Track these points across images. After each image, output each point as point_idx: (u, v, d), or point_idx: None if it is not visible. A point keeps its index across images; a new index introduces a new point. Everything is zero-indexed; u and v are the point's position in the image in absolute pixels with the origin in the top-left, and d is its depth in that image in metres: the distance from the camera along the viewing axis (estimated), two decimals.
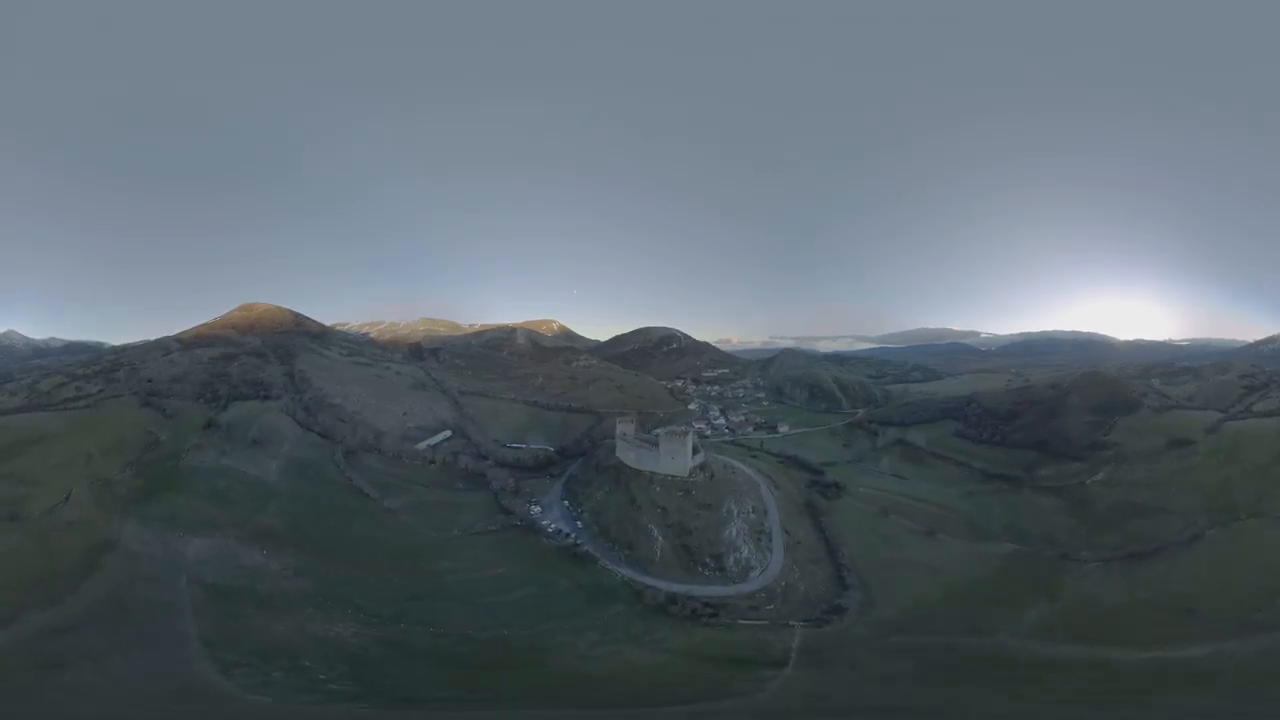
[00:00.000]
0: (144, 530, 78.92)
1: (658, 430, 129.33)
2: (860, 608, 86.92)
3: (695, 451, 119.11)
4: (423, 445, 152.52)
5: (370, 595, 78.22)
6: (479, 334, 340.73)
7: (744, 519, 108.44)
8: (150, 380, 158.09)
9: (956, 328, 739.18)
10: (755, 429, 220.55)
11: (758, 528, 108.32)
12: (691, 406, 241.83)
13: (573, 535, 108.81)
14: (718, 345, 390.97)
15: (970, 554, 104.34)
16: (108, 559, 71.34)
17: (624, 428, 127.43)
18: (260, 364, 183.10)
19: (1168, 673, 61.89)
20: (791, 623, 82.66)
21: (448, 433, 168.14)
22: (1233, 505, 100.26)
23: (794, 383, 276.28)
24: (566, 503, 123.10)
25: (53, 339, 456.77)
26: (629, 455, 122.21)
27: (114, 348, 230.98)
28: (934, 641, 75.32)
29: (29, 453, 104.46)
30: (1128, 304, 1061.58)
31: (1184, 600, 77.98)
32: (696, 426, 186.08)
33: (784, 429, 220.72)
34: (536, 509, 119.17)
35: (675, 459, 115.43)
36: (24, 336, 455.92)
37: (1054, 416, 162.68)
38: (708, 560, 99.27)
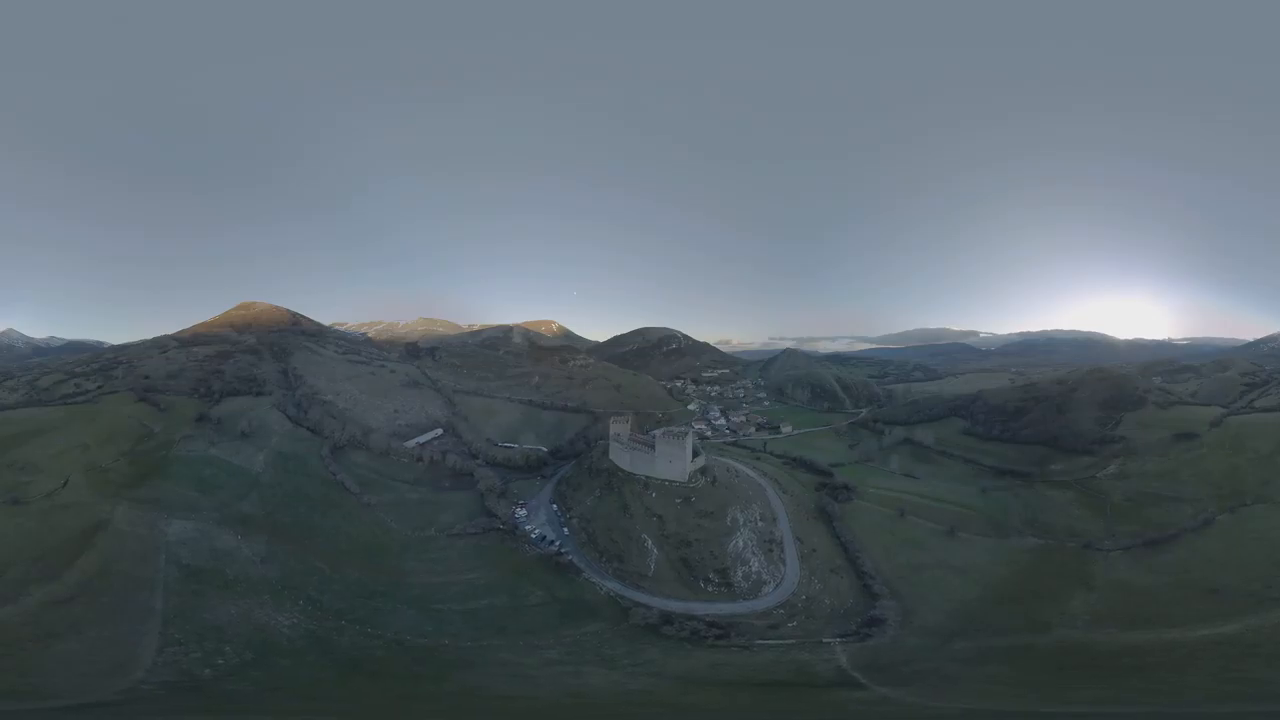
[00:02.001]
0: (132, 512, 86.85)
1: (655, 431, 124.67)
2: (899, 617, 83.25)
3: (695, 454, 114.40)
4: (411, 443, 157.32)
5: (326, 588, 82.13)
6: (476, 333, 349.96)
7: (751, 528, 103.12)
8: (147, 377, 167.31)
9: (956, 328, 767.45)
10: (757, 429, 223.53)
11: (767, 537, 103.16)
12: (691, 407, 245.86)
13: (557, 543, 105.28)
14: (717, 346, 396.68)
15: (996, 550, 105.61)
16: (99, 538, 79.30)
17: (618, 428, 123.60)
18: (255, 361, 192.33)
19: (1221, 650, 65.79)
20: (826, 639, 77.80)
21: (438, 431, 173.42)
22: (1240, 491, 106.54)
23: (795, 382, 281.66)
24: (555, 507, 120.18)
25: (52, 338, 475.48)
26: (623, 458, 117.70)
27: (113, 347, 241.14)
28: (998, 644, 73.42)
29: (30, 443, 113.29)
30: (1127, 303, 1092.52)
31: (1205, 581, 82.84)
32: (696, 427, 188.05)
33: (787, 429, 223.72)
34: (521, 512, 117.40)
35: (673, 462, 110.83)
36: (24, 335, 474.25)
37: (1062, 413, 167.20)
38: (711, 575, 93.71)
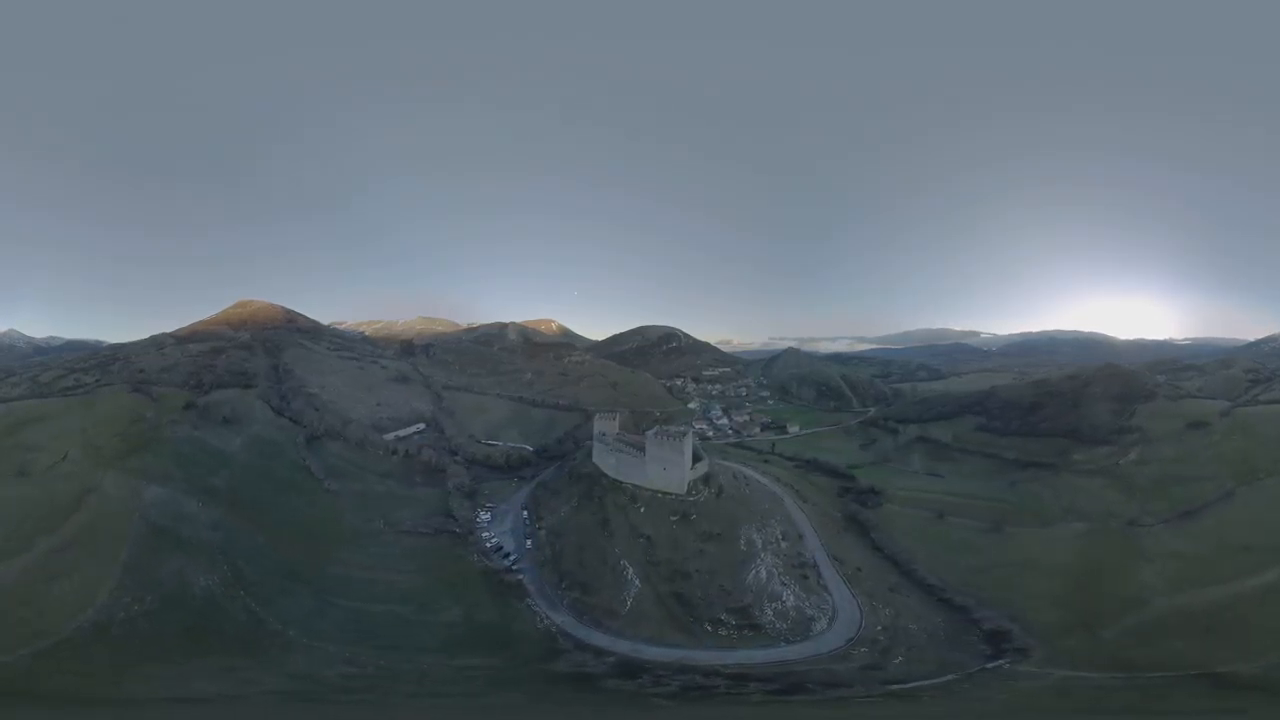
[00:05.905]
0: (119, 479, 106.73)
1: (649, 430, 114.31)
2: (1021, 628, 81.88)
3: (696, 459, 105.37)
4: (389, 436, 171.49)
5: (254, 560, 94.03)
6: (471, 330, 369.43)
7: (773, 551, 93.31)
8: (142, 371, 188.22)
9: (957, 328, 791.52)
10: (762, 429, 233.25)
11: (796, 560, 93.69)
12: (691, 405, 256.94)
13: (512, 556, 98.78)
14: (718, 346, 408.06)
15: (1048, 540, 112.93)
16: (90, 498, 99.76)
17: (603, 426, 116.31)
18: (247, 356, 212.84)
19: (1277, 596, 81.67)
20: (989, 665, 72.75)
21: (421, 425, 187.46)
22: (1254, 469, 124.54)
23: (800, 381, 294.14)
24: (525, 513, 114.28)
25: (53, 337, 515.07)
26: (607, 461, 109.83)
27: (112, 345, 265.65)
28: (1135, 622, 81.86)
29: (34, 428, 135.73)
30: (1128, 303, 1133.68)
31: (1237, 542, 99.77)
32: (697, 427, 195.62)
33: (794, 429, 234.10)
34: (485, 516, 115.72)
35: (668, 469, 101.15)
36: (25, 335, 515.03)
37: (1077, 406, 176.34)
38: (721, 616, 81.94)
